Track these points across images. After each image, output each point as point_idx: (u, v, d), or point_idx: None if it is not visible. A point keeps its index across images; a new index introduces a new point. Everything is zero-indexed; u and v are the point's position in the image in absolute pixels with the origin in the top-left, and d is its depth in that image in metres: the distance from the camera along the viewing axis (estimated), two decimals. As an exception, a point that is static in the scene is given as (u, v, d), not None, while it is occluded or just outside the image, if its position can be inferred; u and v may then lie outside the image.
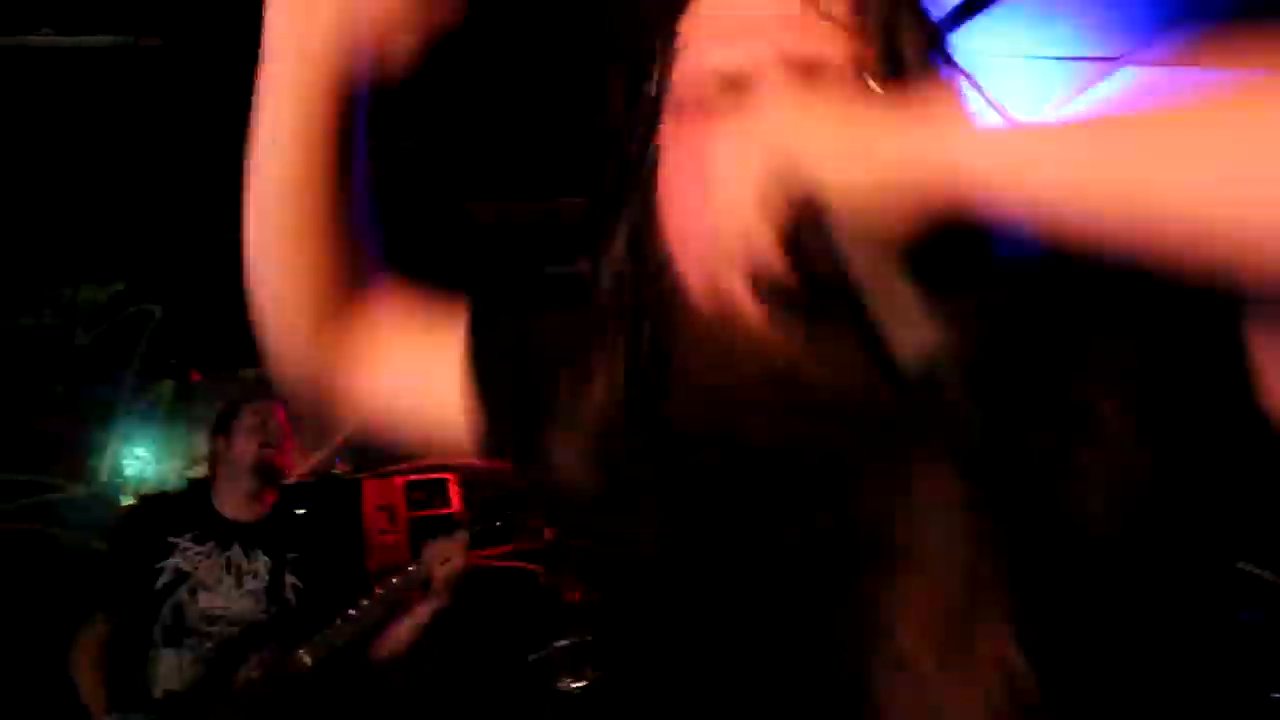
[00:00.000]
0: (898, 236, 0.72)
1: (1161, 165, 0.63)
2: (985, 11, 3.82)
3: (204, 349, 5.35)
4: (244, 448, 3.51)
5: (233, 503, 3.51)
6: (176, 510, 3.52)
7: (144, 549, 3.36)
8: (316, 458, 5.22)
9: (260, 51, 1.04)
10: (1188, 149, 0.63)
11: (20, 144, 4.58)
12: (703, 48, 0.91)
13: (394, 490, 5.06)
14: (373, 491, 5.10)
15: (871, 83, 0.85)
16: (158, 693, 3.22)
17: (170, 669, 3.24)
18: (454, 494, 5.01)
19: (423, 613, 3.33)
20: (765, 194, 0.74)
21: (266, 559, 3.41)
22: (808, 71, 0.86)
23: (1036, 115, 4.89)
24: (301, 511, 4.08)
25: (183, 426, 5.36)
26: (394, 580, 3.30)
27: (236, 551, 3.39)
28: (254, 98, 1.07)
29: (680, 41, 0.93)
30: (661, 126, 0.94)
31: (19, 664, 4.41)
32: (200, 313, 5.38)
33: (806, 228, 0.74)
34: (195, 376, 5.44)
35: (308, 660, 3.20)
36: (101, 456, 5.31)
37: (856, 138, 0.74)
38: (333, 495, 4.96)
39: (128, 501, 5.08)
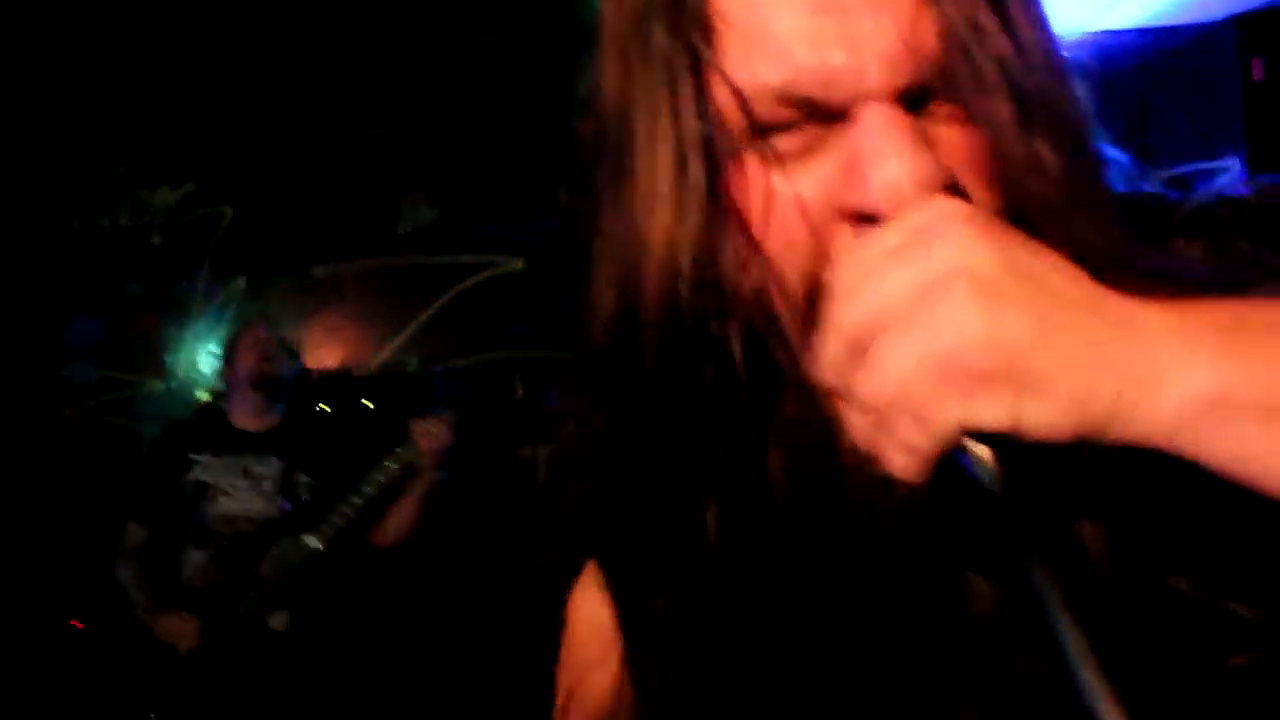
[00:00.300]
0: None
1: None
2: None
3: (274, 248, 5.44)
4: (243, 365, 3.93)
5: (243, 416, 3.94)
6: (196, 432, 3.99)
7: (168, 468, 3.83)
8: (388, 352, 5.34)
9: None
10: None
11: (92, 50, 4.64)
12: (763, 50, 0.65)
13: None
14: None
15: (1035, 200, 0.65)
16: (188, 588, 3.69)
17: (198, 567, 3.70)
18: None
19: (416, 495, 3.58)
20: (925, 403, 0.56)
21: (279, 462, 3.81)
22: (916, 104, 0.65)
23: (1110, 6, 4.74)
24: (320, 409, 4.43)
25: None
26: (384, 465, 3.55)
27: (250, 459, 3.82)
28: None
29: (718, 38, 0.67)
30: (715, 150, 0.70)
31: (101, 554, 4.64)
32: (270, 213, 5.47)
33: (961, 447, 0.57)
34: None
35: (316, 544, 3.57)
36: (178, 354, 5.46)
37: (1059, 365, 0.55)
38: (406, 388, 5.06)
39: (203, 397, 5.23)
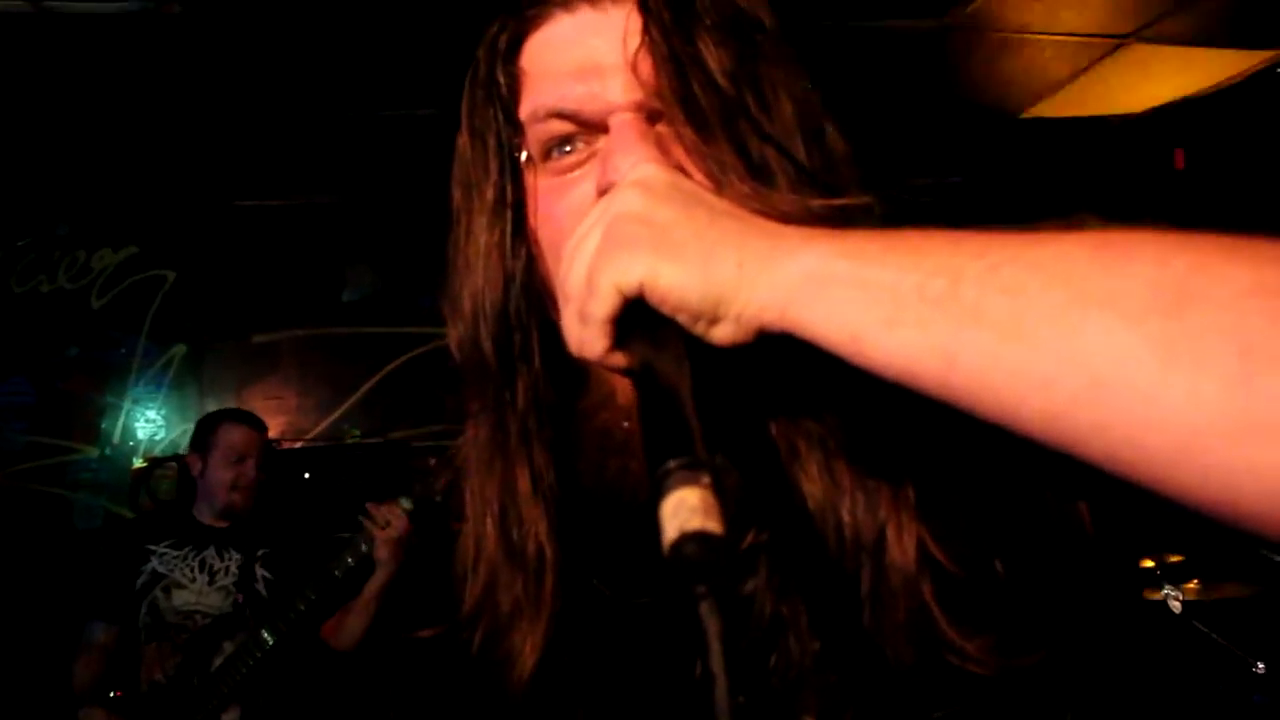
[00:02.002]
0: (717, 344, 0.69)
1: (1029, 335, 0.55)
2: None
3: (215, 314, 5.41)
4: (218, 479, 3.76)
5: (208, 514, 3.79)
6: (154, 523, 3.85)
7: (123, 559, 3.70)
8: (327, 423, 5.31)
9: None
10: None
11: (38, 109, 4.62)
12: (548, 85, 0.88)
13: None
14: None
15: (716, 153, 0.81)
16: (144, 684, 3.53)
17: (152, 661, 3.55)
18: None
19: (373, 590, 3.54)
20: (598, 281, 0.70)
21: (238, 555, 3.72)
22: (654, 119, 0.84)
23: (1041, 98, 4.92)
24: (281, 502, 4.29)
25: (194, 391, 5.43)
26: (341, 558, 3.50)
27: (210, 552, 3.72)
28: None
29: (520, 82, 0.91)
30: (522, 175, 0.91)
31: (31, 621, 4.54)
32: (212, 278, 5.44)
33: (628, 316, 0.70)
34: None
35: (271, 639, 3.46)
36: (114, 419, 5.38)
37: (694, 236, 0.69)
38: (346, 460, 5.04)
39: (139, 464, 5.16)
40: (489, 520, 0.94)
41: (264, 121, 4.82)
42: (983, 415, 0.58)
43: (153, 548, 3.70)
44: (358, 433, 5.18)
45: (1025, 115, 5.22)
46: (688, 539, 0.54)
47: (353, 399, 5.36)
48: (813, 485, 0.81)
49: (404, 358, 5.32)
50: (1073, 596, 0.78)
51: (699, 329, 0.69)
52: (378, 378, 5.36)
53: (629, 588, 0.87)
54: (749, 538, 0.82)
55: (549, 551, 0.90)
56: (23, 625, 4.61)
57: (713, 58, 0.84)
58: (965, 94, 4.97)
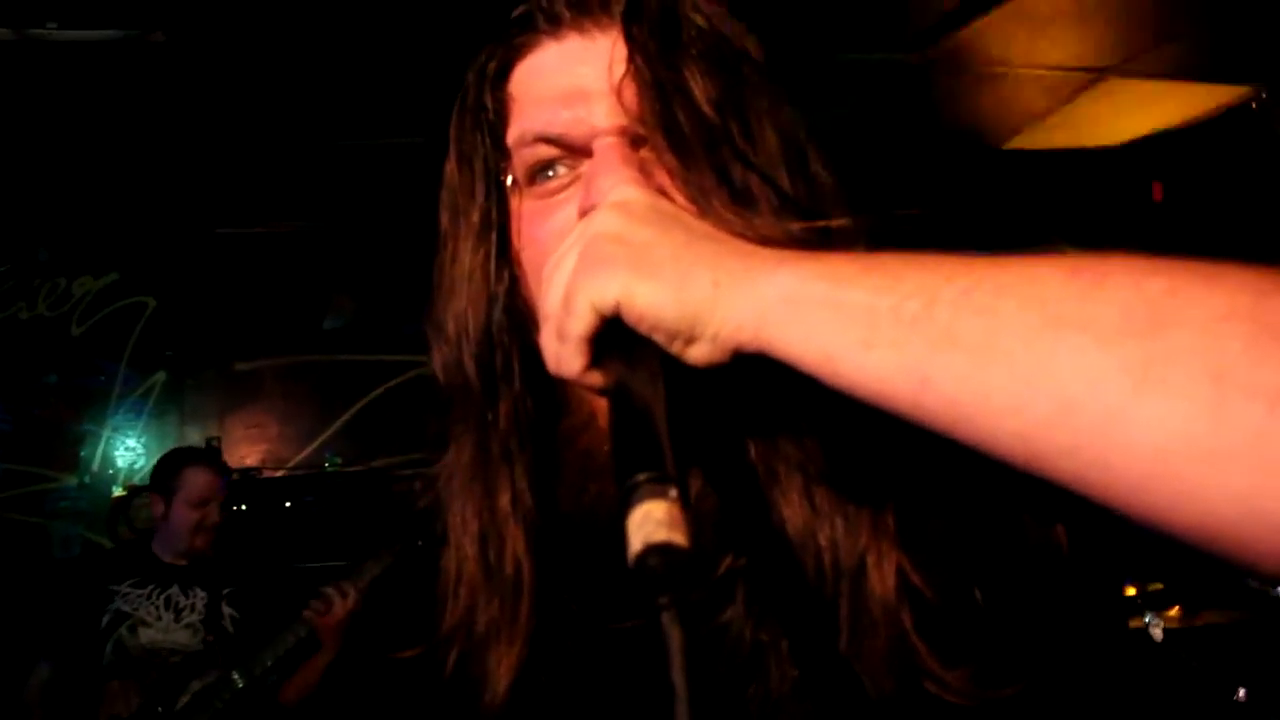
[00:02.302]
0: (694, 365, 0.69)
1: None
2: (971, 23, 3.89)
3: (196, 341, 5.39)
4: (182, 521, 3.73)
5: (171, 554, 3.75)
6: (116, 563, 3.82)
7: (85, 598, 3.67)
8: (309, 451, 5.29)
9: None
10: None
11: (19, 136, 4.61)
12: (535, 111, 0.89)
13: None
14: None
15: (698, 179, 0.82)
16: None
17: (113, 699, 3.50)
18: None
19: (314, 668, 3.61)
20: (575, 299, 0.70)
21: (204, 594, 3.70)
22: (638, 144, 0.84)
23: (1020, 129, 4.97)
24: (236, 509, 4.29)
25: (174, 418, 5.40)
26: (286, 636, 3.51)
27: (175, 590, 3.69)
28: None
29: (507, 107, 0.92)
30: (507, 200, 0.92)
31: (6, 652, 4.47)
32: (193, 305, 5.42)
33: (606, 336, 0.70)
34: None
35: (240, 681, 3.44)
36: (94, 447, 5.34)
37: (671, 257, 0.69)
38: (326, 488, 5.01)
39: (118, 493, 5.11)
40: (469, 541, 0.94)
41: (245, 149, 4.82)
42: (956, 437, 0.58)
43: (115, 588, 3.68)
44: (339, 460, 5.15)
45: (1006, 147, 5.28)
46: (652, 551, 0.54)
47: (334, 427, 5.34)
48: (792, 510, 0.81)
49: (385, 386, 5.31)
50: (1053, 626, 0.79)
51: (675, 349, 0.69)
52: (359, 406, 5.34)
53: (605, 612, 0.87)
54: (726, 563, 0.82)
55: (526, 572, 0.90)
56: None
57: (697, 86, 0.84)
58: (946, 126, 5.02)
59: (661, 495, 0.57)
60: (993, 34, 4.03)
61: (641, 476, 0.58)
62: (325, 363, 5.41)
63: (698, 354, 0.69)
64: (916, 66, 4.36)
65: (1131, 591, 3.57)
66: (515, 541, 0.90)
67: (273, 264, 5.47)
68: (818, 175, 0.90)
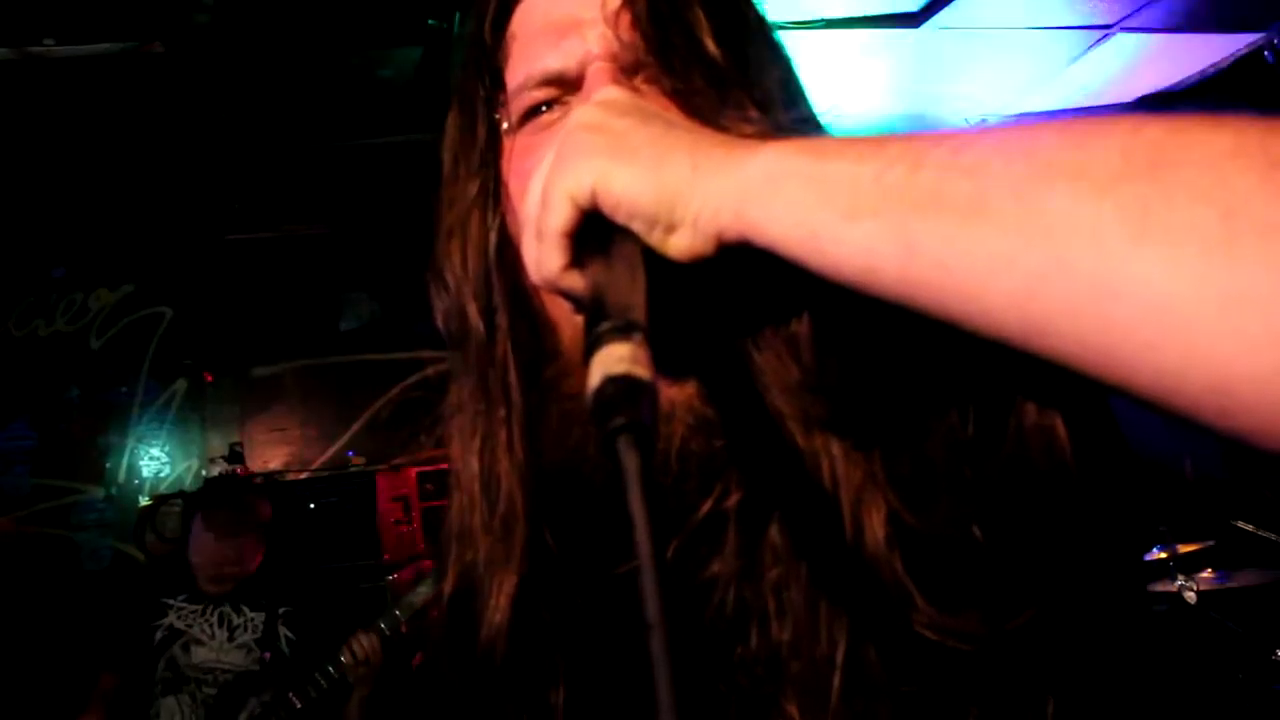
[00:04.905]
0: (677, 258, 0.67)
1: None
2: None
3: (214, 349, 5.42)
4: (197, 562, 3.70)
5: (206, 588, 3.72)
6: (168, 575, 3.79)
7: (139, 611, 3.66)
8: (331, 452, 5.31)
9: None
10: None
11: (29, 155, 4.63)
12: (531, 49, 0.89)
13: (407, 481, 5.13)
14: (386, 484, 5.16)
15: (684, 90, 0.82)
16: None
17: (169, 714, 3.54)
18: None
19: (354, 708, 3.56)
20: (551, 193, 0.69)
21: (260, 613, 3.68)
22: (632, 72, 0.85)
23: (1031, 90, 4.92)
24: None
25: (197, 426, 5.43)
26: (314, 686, 3.50)
27: (227, 608, 3.68)
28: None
29: (508, 46, 0.92)
30: (501, 140, 0.92)
31: (35, 661, 4.53)
32: (210, 313, 5.45)
33: (585, 233, 0.68)
34: (208, 377, 5.49)
35: (298, 703, 3.45)
36: (119, 459, 5.38)
37: (648, 142, 0.68)
38: (349, 487, 5.03)
39: (145, 503, 5.15)
40: (468, 479, 0.93)
41: (252, 155, 4.83)
42: (948, 316, 0.55)
43: (169, 601, 3.66)
44: (362, 459, 5.17)
45: (1016, 110, 5.22)
46: (610, 381, 0.53)
47: (355, 427, 5.35)
48: (790, 441, 0.78)
49: (404, 383, 5.32)
50: (1059, 568, 0.73)
51: (655, 239, 0.66)
52: (378, 404, 5.35)
53: (588, 558, 0.85)
54: (711, 504, 0.79)
55: (520, 512, 0.89)
56: (32, 669, 4.59)
57: (695, 18, 0.85)
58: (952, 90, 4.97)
59: (626, 339, 0.55)
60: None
61: (606, 325, 0.56)
62: (343, 364, 5.43)
63: (679, 244, 0.66)
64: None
65: (1163, 556, 3.55)
66: (510, 481, 0.89)
67: (286, 268, 5.48)
68: (813, 118, 0.90)
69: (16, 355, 5.36)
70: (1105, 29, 4.41)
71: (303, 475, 5.13)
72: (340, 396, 5.38)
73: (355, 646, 3.50)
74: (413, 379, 5.30)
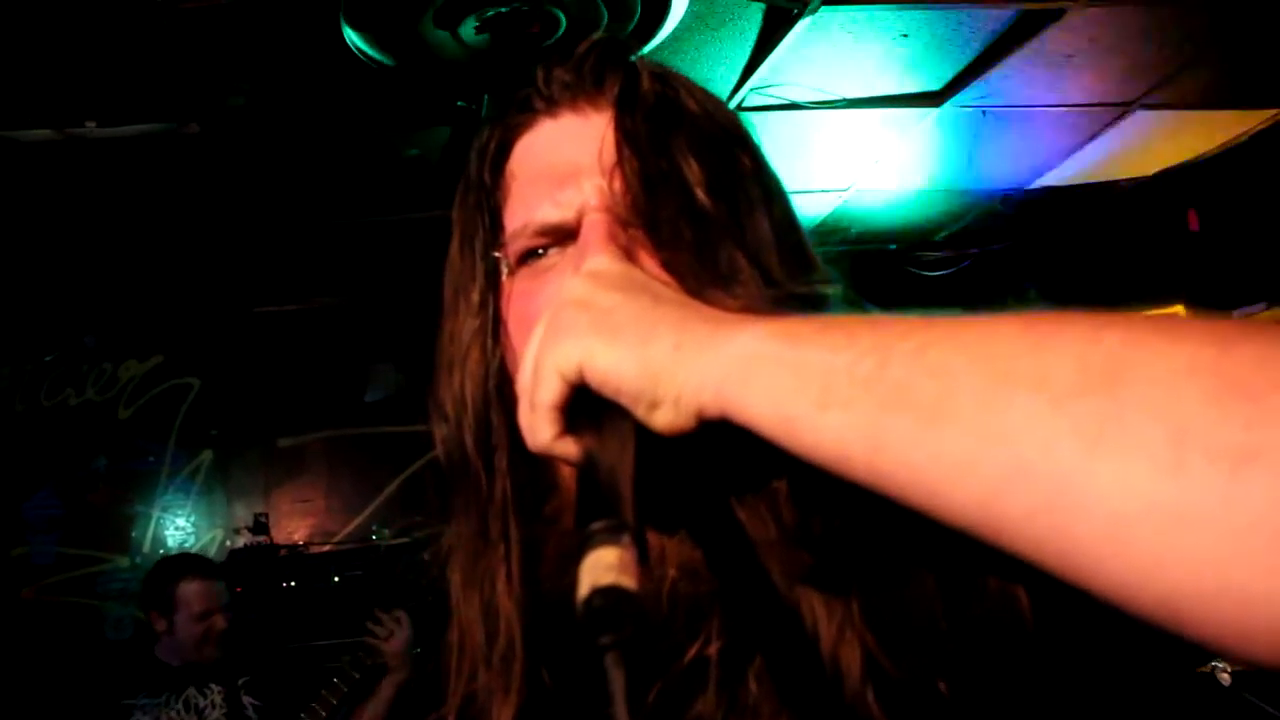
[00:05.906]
0: (661, 432, 0.67)
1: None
2: (998, 65, 3.90)
3: (240, 420, 5.46)
4: (188, 636, 3.70)
5: (179, 660, 3.72)
6: (124, 675, 3.74)
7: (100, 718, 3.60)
8: (355, 524, 5.32)
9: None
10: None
11: (64, 228, 4.73)
12: (530, 196, 0.90)
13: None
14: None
15: (677, 259, 0.83)
16: None
17: None
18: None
19: (386, 692, 3.61)
20: (541, 367, 0.71)
21: (221, 688, 3.67)
22: (628, 224, 0.85)
23: (1051, 164, 4.96)
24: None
25: (222, 496, 5.46)
26: (338, 679, 3.54)
27: (191, 691, 3.66)
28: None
29: (507, 185, 0.94)
30: (501, 279, 0.93)
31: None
32: (236, 384, 5.50)
33: (577, 404, 0.70)
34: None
35: None
36: (144, 528, 5.41)
37: (633, 320, 0.69)
38: (374, 560, 5.04)
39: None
40: (470, 614, 0.95)
41: (280, 230, 4.91)
42: (913, 504, 0.56)
43: (129, 702, 3.62)
44: (387, 532, 5.18)
45: (1037, 185, 5.26)
46: (597, 593, 0.55)
47: (379, 499, 5.37)
48: (773, 590, 0.79)
49: (429, 456, 5.34)
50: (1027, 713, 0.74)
51: (640, 414, 0.68)
52: (403, 477, 5.37)
53: (581, 697, 0.86)
54: (697, 648, 0.80)
55: (518, 647, 0.90)
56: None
57: (691, 172, 0.85)
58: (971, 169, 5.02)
59: (614, 542, 0.57)
60: (1014, 77, 4.04)
61: (597, 525, 0.59)
62: (368, 435, 5.46)
63: (663, 419, 0.67)
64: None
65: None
66: (509, 616, 0.91)
67: (312, 340, 5.55)
68: (809, 257, 0.91)
69: (46, 425, 5.43)
70: (1124, 105, 4.45)
71: (326, 548, 5.14)
72: (365, 468, 5.40)
73: (379, 626, 3.56)
74: (434, 453, 5.33)
